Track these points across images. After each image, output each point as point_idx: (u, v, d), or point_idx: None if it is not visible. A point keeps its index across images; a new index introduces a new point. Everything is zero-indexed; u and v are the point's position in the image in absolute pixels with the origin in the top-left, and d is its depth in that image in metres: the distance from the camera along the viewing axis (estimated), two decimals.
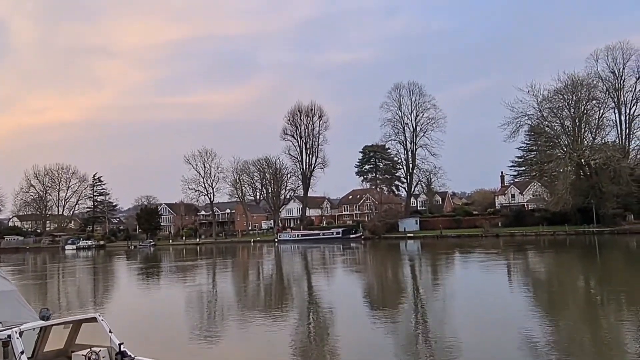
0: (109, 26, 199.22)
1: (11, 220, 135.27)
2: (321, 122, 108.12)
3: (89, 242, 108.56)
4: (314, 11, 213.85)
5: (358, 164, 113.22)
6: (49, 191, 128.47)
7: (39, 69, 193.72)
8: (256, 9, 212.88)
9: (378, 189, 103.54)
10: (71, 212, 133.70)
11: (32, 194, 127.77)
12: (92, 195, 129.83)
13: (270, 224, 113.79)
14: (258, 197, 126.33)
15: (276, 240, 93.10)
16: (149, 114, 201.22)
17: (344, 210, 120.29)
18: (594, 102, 68.48)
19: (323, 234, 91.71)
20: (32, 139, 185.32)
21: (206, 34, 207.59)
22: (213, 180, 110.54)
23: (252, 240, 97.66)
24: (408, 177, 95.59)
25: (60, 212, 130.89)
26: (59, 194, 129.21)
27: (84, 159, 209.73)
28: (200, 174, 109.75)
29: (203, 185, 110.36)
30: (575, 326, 16.22)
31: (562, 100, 68.46)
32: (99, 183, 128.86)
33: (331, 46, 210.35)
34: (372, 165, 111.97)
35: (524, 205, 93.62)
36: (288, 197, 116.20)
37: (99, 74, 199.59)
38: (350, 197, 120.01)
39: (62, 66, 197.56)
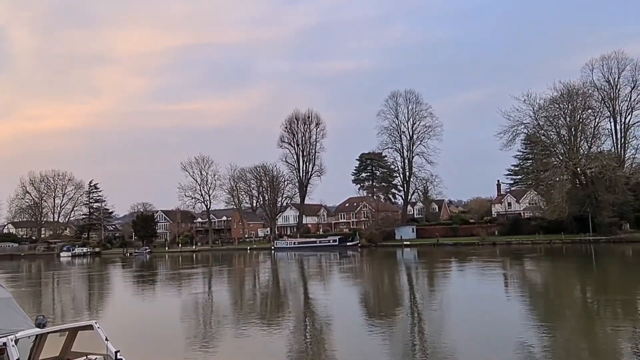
0: (107, 34, 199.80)
1: (6, 227, 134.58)
2: (318, 129, 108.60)
3: (85, 249, 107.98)
4: (312, 20, 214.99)
5: (355, 171, 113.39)
6: (44, 198, 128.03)
7: (37, 77, 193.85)
8: (254, 18, 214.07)
9: (375, 197, 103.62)
10: (67, 219, 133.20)
11: (27, 200, 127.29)
12: (87, 202, 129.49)
13: (267, 231, 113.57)
14: (255, 204, 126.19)
15: (273, 247, 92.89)
16: (146, 121, 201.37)
17: (341, 218, 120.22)
18: (590, 111, 68.89)
19: (320, 242, 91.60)
20: (30, 146, 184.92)
21: (204, 42, 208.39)
22: (210, 188, 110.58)
23: (248, 247, 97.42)
24: (405, 185, 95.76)
25: (56, 219, 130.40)
26: (54, 201, 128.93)
27: (81, 165, 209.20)
28: (196, 181, 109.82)
29: (199, 193, 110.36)
30: (573, 336, 16.20)
31: (558, 109, 68.83)
32: (95, 190, 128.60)
33: (329, 54, 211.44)
34: (369, 173, 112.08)
35: (521, 213, 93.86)
36: (285, 204, 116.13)
37: (97, 81, 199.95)
38: (347, 204, 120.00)
39: (60, 74, 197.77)
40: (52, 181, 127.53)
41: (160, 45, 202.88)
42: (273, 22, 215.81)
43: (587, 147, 69.39)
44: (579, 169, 67.83)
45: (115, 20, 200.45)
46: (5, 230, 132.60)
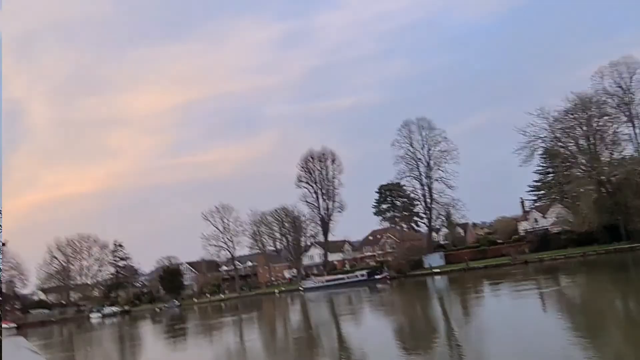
0: (118, 98, 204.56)
1: (35, 294, 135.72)
2: (334, 165, 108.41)
3: (114, 309, 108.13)
4: (315, 62, 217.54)
5: (375, 204, 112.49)
6: (71, 261, 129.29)
7: (54, 145, 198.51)
8: (258, 65, 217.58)
9: (398, 227, 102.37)
10: (94, 280, 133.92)
11: (55, 265, 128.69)
12: (113, 261, 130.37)
13: (293, 272, 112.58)
14: (278, 246, 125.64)
15: (301, 289, 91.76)
16: (164, 176, 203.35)
17: (366, 252, 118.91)
18: (606, 117, 67.89)
19: (348, 278, 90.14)
20: (52, 213, 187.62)
21: (211, 94, 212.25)
22: (232, 235, 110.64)
23: (275, 290, 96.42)
24: (427, 211, 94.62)
25: (84, 281, 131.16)
26: (81, 263, 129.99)
27: (104, 226, 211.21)
28: (219, 229, 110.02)
29: (223, 240, 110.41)
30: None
31: (573, 120, 67.98)
32: (120, 248, 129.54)
33: (336, 92, 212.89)
34: (389, 204, 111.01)
35: (548, 228, 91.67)
36: (308, 244, 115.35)
37: (112, 143, 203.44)
38: (371, 237, 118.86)
39: (76, 140, 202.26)
40: (78, 244, 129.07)
41: (169, 102, 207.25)
42: (277, 67, 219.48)
43: (608, 154, 68.14)
44: (603, 177, 66.43)
45: (124, 84, 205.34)
46: (35, 297, 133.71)
